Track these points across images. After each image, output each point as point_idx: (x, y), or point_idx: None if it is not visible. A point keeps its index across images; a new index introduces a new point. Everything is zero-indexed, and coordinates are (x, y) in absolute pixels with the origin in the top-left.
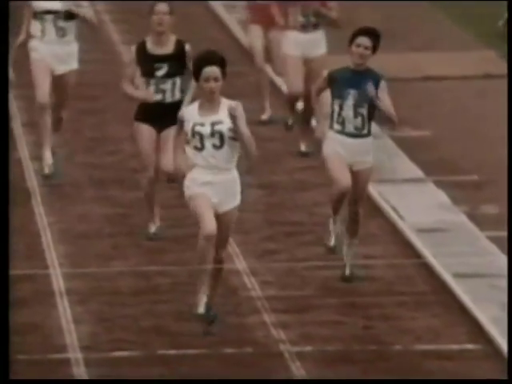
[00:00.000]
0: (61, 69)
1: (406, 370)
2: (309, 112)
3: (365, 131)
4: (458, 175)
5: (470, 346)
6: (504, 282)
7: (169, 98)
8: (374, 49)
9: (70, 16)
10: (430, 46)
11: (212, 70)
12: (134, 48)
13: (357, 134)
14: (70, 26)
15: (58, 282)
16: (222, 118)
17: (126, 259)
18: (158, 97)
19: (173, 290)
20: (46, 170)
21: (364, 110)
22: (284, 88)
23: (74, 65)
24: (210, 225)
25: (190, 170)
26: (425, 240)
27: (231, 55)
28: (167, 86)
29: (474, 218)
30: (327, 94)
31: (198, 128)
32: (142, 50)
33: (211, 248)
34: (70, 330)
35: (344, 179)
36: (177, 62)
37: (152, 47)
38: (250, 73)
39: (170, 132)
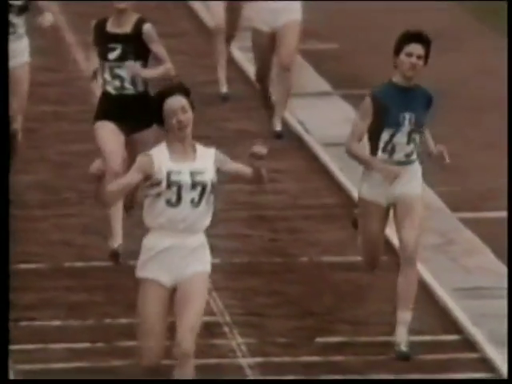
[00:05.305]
0: (11, 63)
1: (312, 281)
2: (283, 90)
3: (414, 157)
4: (365, 88)
5: None
6: None
7: (130, 89)
8: (426, 59)
9: (22, 10)
10: None
11: (176, 100)
12: (92, 24)
13: (406, 161)
14: (21, 21)
15: None
16: (201, 166)
17: (34, 173)
18: (116, 83)
19: (80, 204)
20: None
21: (418, 136)
22: (245, 65)
23: (25, 57)
24: (150, 351)
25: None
26: (332, 154)
27: None
28: (124, 72)
29: None
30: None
31: (175, 177)
32: (100, 28)
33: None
34: None
35: (372, 262)
36: (134, 43)
37: (110, 26)
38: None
39: (143, 136)
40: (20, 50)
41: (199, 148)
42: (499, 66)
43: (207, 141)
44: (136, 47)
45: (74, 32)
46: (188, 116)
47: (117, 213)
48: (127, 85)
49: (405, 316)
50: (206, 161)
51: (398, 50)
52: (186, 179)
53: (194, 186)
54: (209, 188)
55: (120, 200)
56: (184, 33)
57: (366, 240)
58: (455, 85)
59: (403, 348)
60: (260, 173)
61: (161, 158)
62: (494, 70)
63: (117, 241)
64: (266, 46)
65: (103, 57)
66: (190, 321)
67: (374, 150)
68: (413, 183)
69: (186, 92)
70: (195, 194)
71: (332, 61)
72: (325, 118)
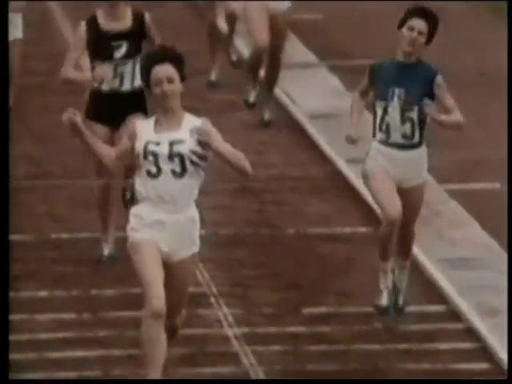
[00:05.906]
0: None
1: (298, 253)
2: (272, 76)
3: (415, 140)
4: (351, 60)
5: (361, 229)
6: None
7: (127, 85)
8: (430, 36)
9: None
10: None
11: (163, 69)
12: (83, 25)
13: (405, 145)
14: None
15: None
16: (183, 136)
17: (18, 145)
18: (115, 83)
19: (66, 177)
20: None
21: (414, 114)
22: (241, 49)
23: (17, 33)
24: (157, 298)
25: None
26: (317, 125)
27: None
28: (127, 68)
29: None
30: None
31: (151, 147)
32: (93, 27)
33: (160, 328)
34: None
35: (393, 206)
36: (137, 38)
37: (106, 23)
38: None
39: (122, 132)
40: (10, 24)
41: (188, 118)
42: (490, 41)
43: (193, 112)
44: (138, 41)
45: (60, 4)
46: (174, 87)
47: (109, 218)
48: (126, 82)
49: (405, 264)
50: (188, 130)
51: (401, 24)
52: (162, 149)
53: (171, 156)
54: (188, 158)
55: (112, 205)
56: (168, 3)
57: (381, 189)
58: (444, 59)
59: (383, 301)
60: (243, 169)
61: (145, 127)
62: (485, 45)
63: (108, 247)
64: (261, 19)
65: (107, 56)
66: (180, 309)
67: (374, 129)
68: (417, 172)
69: (176, 59)
70: (175, 165)
71: (318, 31)
72: (311, 90)
